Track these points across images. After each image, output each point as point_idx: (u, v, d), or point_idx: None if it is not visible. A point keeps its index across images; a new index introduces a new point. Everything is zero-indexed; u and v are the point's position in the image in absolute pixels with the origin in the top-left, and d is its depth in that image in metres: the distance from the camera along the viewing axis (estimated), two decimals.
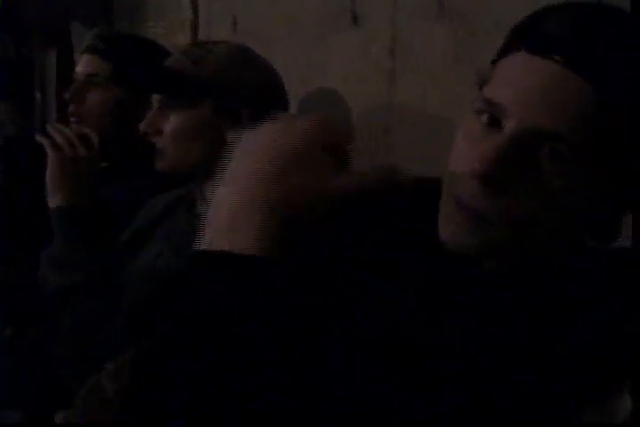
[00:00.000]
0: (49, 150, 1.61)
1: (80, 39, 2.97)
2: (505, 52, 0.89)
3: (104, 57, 2.01)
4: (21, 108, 2.81)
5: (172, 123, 1.61)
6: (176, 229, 1.65)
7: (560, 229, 0.87)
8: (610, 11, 0.86)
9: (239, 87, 1.61)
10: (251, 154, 0.88)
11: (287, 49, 2.01)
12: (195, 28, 2.37)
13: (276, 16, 2.08)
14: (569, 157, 0.82)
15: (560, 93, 0.82)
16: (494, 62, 0.90)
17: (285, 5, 2.05)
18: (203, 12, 2.37)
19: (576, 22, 0.83)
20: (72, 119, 2.05)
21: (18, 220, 1.99)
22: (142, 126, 1.64)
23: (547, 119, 0.82)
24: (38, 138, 1.63)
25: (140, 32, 2.58)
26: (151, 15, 2.61)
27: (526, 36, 0.86)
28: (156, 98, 1.64)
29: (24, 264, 1.73)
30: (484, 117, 0.87)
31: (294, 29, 2.02)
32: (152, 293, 1.51)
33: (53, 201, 1.61)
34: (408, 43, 1.68)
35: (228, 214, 0.86)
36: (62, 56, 3.04)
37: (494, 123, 0.86)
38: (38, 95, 3.23)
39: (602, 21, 0.84)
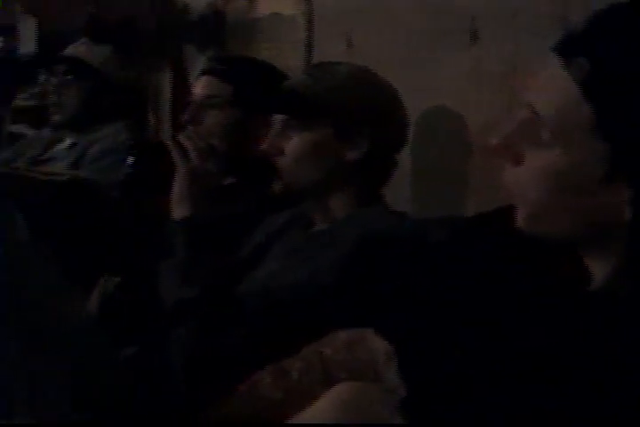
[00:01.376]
0: (179, 161, 1.62)
1: (193, 62, 3.04)
2: None
3: (222, 79, 2.04)
4: (137, 130, 2.88)
5: (293, 143, 1.63)
6: (293, 247, 1.66)
7: (573, 209, 0.92)
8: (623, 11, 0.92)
9: (360, 108, 1.62)
10: None
11: (402, 68, 2.01)
12: (309, 48, 2.39)
13: (391, 35, 2.08)
14: (555, 137, 0.90)
15: (550, 81, 0.93)
16: None
17: (401, 24, 2.05)
18: (316, 33, 2.39)
19: (588, 22, 0.92)
20: None
21: (137, 232, 2.02)
22: (264, 146, 1.66)
23: (538, 103, 0.92)
24: (170, 145, 1.64)
25: (253, 54, 2.62)
26: (263, 37, 2.64)
27: None
28: (277, 118, 1.66)
29: (144, 277, 1.75)
30: None
31: (410, 48, 2.02)
32: (269, 308, 1.52)
33: (179, 212, 1.61)
34: (529, 62, 1.66)
35: None
36: (176, 79, 3.10)
37: None
38: (152, 117, 3.30)
39: (606, 17, 0.92)
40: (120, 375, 1.47)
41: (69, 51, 2.83)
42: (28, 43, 3.69)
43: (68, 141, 2.81)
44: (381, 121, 1.64)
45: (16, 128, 3.83)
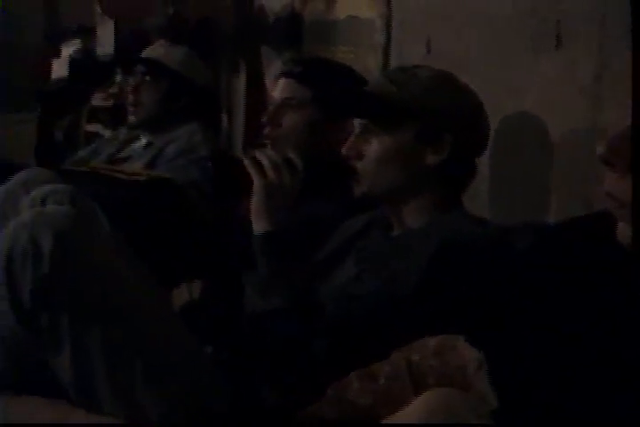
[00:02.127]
0: (256, 176, 1.62)
1: (269, 64, 3.05)
2: None
3: (301, 81, 2.04)
4: (211, 131, 2.90)
5: (374, 147, 1.62)
6: (371, 252, 1.65)
7: None
8: None
9: (442, 112, 1.60)
10: None
11: (483, 72, 1.99)
12: (387, 52, 2.38)
13: (472, 38, 2.07)
14: None
15: None
16: None
17: (482, 28, 2.04)
18: (395, 35, 2.38)
19: None
20: (267, 142, 2.09)
21: (220, 244, 2.02)
22: (344, 150, 1.65)
23: None
24: (246, 163, 1.64)
25: (329, 56, 2.62)
26: (340, 40, 2.64)
27: None
28: (358, 122, 1.65)
29: (225, 285, 1.76)
30: None
31: (491, 52, 2.00)
32: (349, 315, 1.51)
33: (259, 226, 1.61)
34: (617, 67, 1.63)
35: None
36: (251, 80, 3.11)
37: None
38: (225, 118, 3.32)
39: None
40: (203, 373, 1.48)
41: (147, 52, 2.86)
42: (105, 44, 3.75)
43: (143, 141, 2.84)
44: (463, 125, 1.62)
45: (92, 128, 3.90)
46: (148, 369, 1.45)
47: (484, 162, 1.83)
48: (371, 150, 1.62)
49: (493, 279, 1.19)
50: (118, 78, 3.64)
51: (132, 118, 2.84)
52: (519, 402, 0.95)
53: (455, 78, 1.67)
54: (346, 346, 1.38)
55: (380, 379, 1.02)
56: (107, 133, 3.49)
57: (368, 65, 2.43)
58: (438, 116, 1.60)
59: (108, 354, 1.43)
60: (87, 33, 3.94)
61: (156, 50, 2.84)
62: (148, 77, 2.79)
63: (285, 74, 2.09)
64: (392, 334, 1.27)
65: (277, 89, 2.08)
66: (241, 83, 3.22)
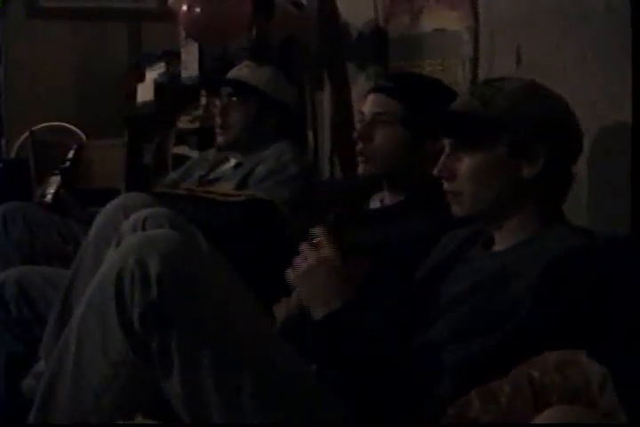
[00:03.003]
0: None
1: (353, 80, 3.05)
2: None
3: (392, 96, 2.03)
4: (299, 150, 2.90)
5: (466, 166, 1.59)
6: (476, 269, 1.62)
7: None
8: None
9: (530, 123, 1.57)
10: None
11: (578, 80, 1.96)
12: (475, 63, 2.36)
13: (564, 46, 2.03)
14: None
15: None
16: None
17: (573, 34, 2.00)
18: (483, 47, 2.35)
19: None
20: (360, 158, 2.09)
21: None
22: (435, 170, 1.63)
23: None
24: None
25: (416, 70, 2.61)
26: (427, 53, 2.62)
27: None
28: (448, 141, 1.64)
29: None
30: None
31: (584, 58, 1.97)
32: (461, 337, 1.47)
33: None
34: None
35: None
36: (337, 97, 3.12)
37: None
38: (310, 135, 3.33)
39: None
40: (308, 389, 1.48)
41: (233, 73, 2.88)
42: (190, 67, 3.79)
43: (233, 162, 2.85)
44: (555, 135, 1.59)
45: (179, 150, 3.94)
46: (256, 387, 1.45)
47: (582, 169, 1.80)
48: (463, 169, 1.60)
49: (608, 292, 1.16)
50: (203, 101, 3.68)
51: (220, 140, 2.84)
52: None
53: (541, 87, 1.63)
54: (463, 366, 1.36)
55: (500, 398, 1.00)
56: (194, 155, 3.51)
57: (456, 78, 2.41)
58: (527, 127, 1.56)
59: (217, 374, 1.44)
60: (171, 57, 3.99)
61: (241, 71, 2.86)
62: (235, 98, 2.80)
63: (376, 89, 2.09)
64: (510, 350, 1.24)
65: (367, 104, 2.08)
66: (325, 100, 3.23)
